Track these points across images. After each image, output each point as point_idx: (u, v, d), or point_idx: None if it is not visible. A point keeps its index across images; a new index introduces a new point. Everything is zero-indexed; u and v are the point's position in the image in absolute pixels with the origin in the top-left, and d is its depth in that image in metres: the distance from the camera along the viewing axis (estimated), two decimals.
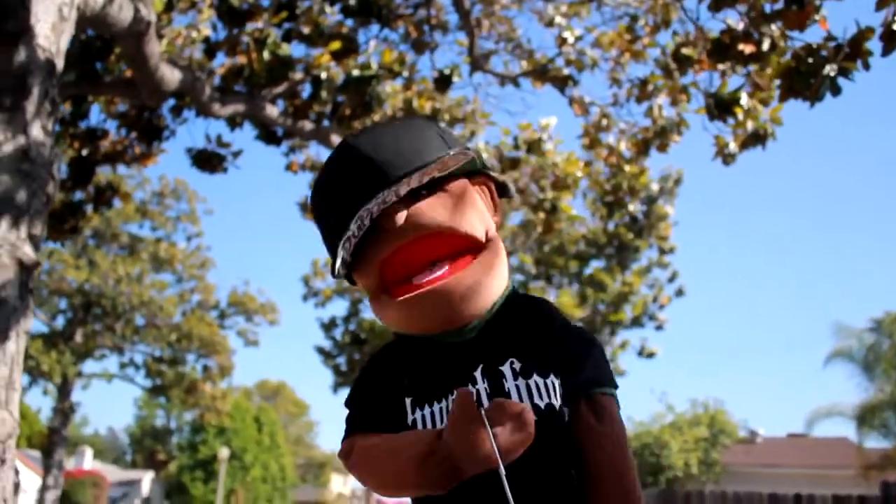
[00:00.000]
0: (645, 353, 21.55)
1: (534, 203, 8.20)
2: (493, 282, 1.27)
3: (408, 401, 1.25)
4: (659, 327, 21.43)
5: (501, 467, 1.04)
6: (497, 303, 1.29)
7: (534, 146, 8.05)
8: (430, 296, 1.21)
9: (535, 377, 1.21)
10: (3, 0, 2.90)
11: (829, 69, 3.41)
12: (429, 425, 1.21)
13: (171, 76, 5.52)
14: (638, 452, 24.86)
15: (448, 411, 1.20)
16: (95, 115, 8.18)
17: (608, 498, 1.18)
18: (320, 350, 21.29)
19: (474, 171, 1.34)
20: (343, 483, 57.55)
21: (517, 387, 1.21)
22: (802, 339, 68.47)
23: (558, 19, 7.74)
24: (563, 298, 19.43)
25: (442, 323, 1.24)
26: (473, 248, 1.27)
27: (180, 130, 7.83)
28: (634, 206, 10.01)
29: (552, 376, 1.22)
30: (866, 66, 3.47)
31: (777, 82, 3.66)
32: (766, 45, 3.76)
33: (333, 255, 1.23)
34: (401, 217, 1.22)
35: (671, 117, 6.96)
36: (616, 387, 1.28)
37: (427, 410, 1.23)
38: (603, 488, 1.18)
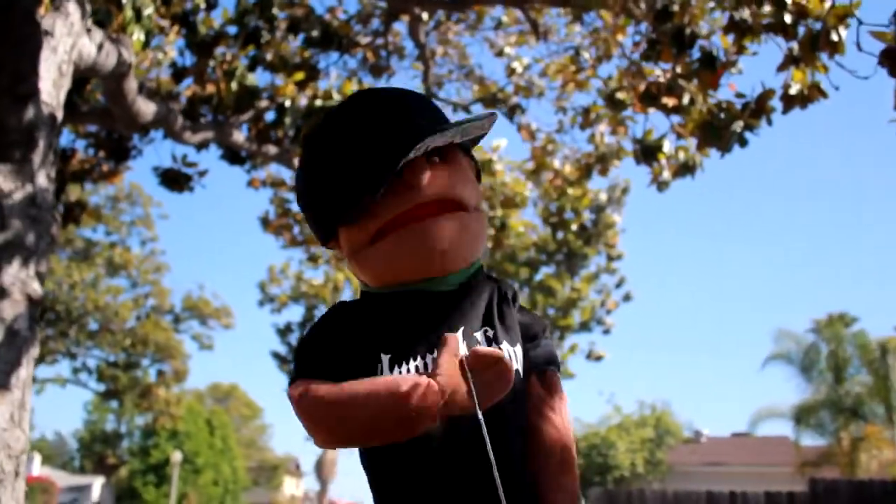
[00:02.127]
0: (593, 357, 22.20)
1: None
2: (477, 238, 1.31)
3: (385, 357, 1.22)
4: (606, 331, 22.08)
5: (479, 412, 1.06)
6: (476, 266, 1.33)
7: (484, 166, 8.56)
8: (419, 229, 1.22)
9: (505, 345, 1.25)
10: (16, 65, 3.30)
11: (737, 125, 3.94)
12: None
13: (147, 109, 5.91)
14: (586, 453, 25.55)
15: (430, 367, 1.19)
16: (65, 135, 8.49)
17: (556, 466, 1.24)
18: (276, 355, 21.60)
19: (467, 150, 1.37)
20: (296, 486, 57.61)
21: None
22: (746, 341, 70.14)
23: (507, 49, 8.25)
24: None
25: (426, 262, 1.24)
26: (463, 209, 1.29)
27: (146, 148, 8.15)
28: (576, 228, 10.55)
29: (518, 346, 1.28)
30: (769, 122, 4.01)
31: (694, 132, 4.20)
32: (686, 100, 4.31)
33: (354, 197, 1.22)
34: (427, 173, 1.23)
35: (612, 144, 7.50)
36: (559, 368, 1.35)
37: (409, 366, 1.20)
38: (552, 458, 1.24)
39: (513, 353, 1.25)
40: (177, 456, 33.64)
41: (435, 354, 1.18)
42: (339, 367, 1.20)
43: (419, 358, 1.21)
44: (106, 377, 26.78)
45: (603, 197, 19.28)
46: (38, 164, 3.61)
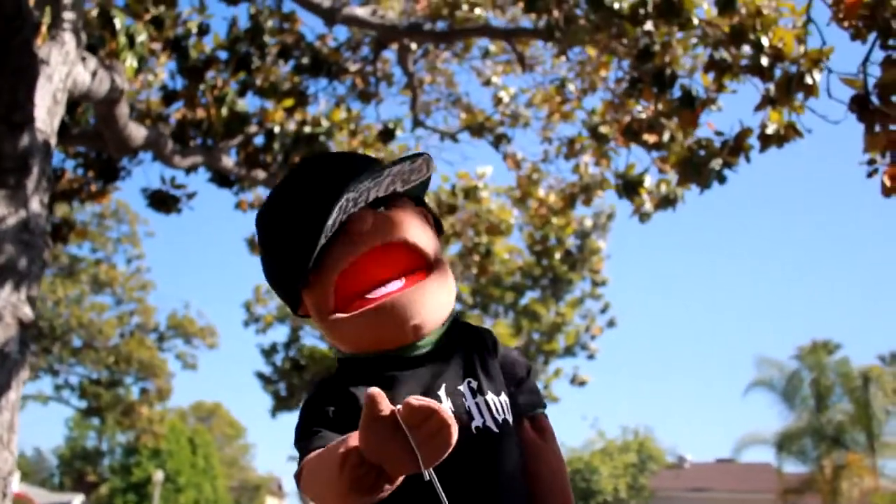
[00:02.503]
0: (577, 382, 22.31)
1: (469, 246, 8.82)
2: (446, 298, 1.29)
3: None
4: (591, 356, 22.22)
5: (424, 470, 0.96)
6: (447, 322, 1.31)
7: (470, 193, 8.67)
8: (388, 306, 1.21)
9: (490, 395, 1.25)
10: (13, 94, 3.38)
11: (715, 163, 4.07)
12: None
13: (138, 133, 6.00)
14: (569, 478, 25.56)
15: None
16: (55, 155, 8.56)
17: None
18: (260, 375, 21.57)
19: (419, 201, 1.37)
20: None
21: (477, 404, 1.23)
22: (731, 367, 70.35)
23: (494, 79, 8.38)
24: (499, 328, 20.08)
25: (399, 335, 1.23)
26: (426, 266, 1.28)
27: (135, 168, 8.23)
28: (560, 255, 10.68)
29: (503, 395, 1.27)
30: (748, 160, 4.14)
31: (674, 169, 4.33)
32: (666, 137, 4.43)
33: (301, 257, 1.21)
34: (369, 221, 1.23)
35: (596, 175, 7.63)
36: (545, 406, 1.35)
37: None
38: (551, 500, 1.26)
39: (499, 403, 1.25)
40: (159, 475, 33.45)
41: None
42: (333, 437, 1.15)
43: None
44: (88, 394, 26.63)
45: (588, 223, 19.45)
46: (32, 190, 3.69)
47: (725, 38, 4.14)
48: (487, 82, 8.41)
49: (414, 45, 7.84)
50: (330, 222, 1.16)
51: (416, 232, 1.28)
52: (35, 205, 3.70)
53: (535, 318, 20.90)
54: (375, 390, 0.96)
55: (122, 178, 8.49)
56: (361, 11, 6.81)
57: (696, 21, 4.22)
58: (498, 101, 8.21)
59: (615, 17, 4.28)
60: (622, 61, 5.05)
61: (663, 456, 28.66)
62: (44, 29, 3.61)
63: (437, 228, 1.38)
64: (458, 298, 21.11)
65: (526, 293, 21.19)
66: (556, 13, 4.84)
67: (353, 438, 1.00)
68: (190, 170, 7.81)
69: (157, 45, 7.61)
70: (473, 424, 1.21)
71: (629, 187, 5.07)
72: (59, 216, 8.84)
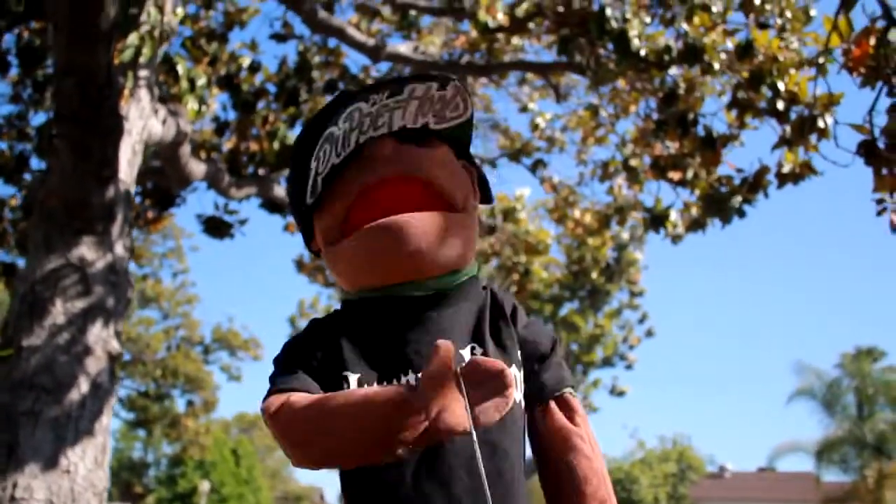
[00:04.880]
0: (616, 392, 22.54)
1: (508, 266, 9.19)
2: (462, 242, 1.17)
3: (353, 378, 1.11)
4: (629, 367, 22.41)
5: (474, 433, 0.91)
6: (464, 275, 1.19)
7: (509, 214, 9.04)
8: (386, 225, 1.11)
9: None
10: (102, 152, 3.82)
11: (735, 200, 4.41)
12: None
13: (198, 169, 6.45)
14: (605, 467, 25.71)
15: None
16: None
17: (597, 500, 1.13)
18: None
19: (461, 153, 1.24)
20: None
21: None
22: (773, 375, 69.82)
23: (531, 105, 8.75)
24: None
25: (395, 262, 1.12)
26: (449, 210, 1.17)
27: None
28: (596, 274, 11.01)
29: (514, 368, 1.14)
30: (766, 196, 4.47)
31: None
32: (690, 174, 4.78)
33: (306, 183, 1.13)
34: (389, 146, 1.13)
35: (629, 196, 7.96)
36: (575, 388, 1.23)
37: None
38: (591, 490, 1.12)
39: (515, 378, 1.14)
40: (205, 485, 34.08)
41: (410, 375, 1.09)
42: (315, 381, 1.12)
43: (393, 378, 1.11)
44: (137, 407, 27.31)
45: (625, 236, 19.73)
46: (117, 236, 4.12)
47: (744, 82, 4.47)
48: (524, 108, 8.79)
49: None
50: (335, 130, 1.07)
51: (444, 174, 1.17)
52: (119, 248, 4.14)
53: (574, 330, 21.18)
54: (446, 343, 0.92)
55: (178, 205, 8.96)
56: (404, 48, 7.22)
57: (717, 66, 4.55)
58: (534, 126, 8.58)
59: (641, 63, 4.63)
60: (649, 99, 5.41)
61: (703, 465, 28.73)
62: (126, 92, 4.04)
63: (483, 191, 1.28)
64: None
65: (564, 305, 21.49)
66: (586, 53, 5.20)
67: (396, 390, 0.97)
68: (243, 198, 8.26)
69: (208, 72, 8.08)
70: None
71: (656, 220, 5.42)
72: None
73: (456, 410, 0.92)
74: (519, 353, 1.18)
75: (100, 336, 3.91)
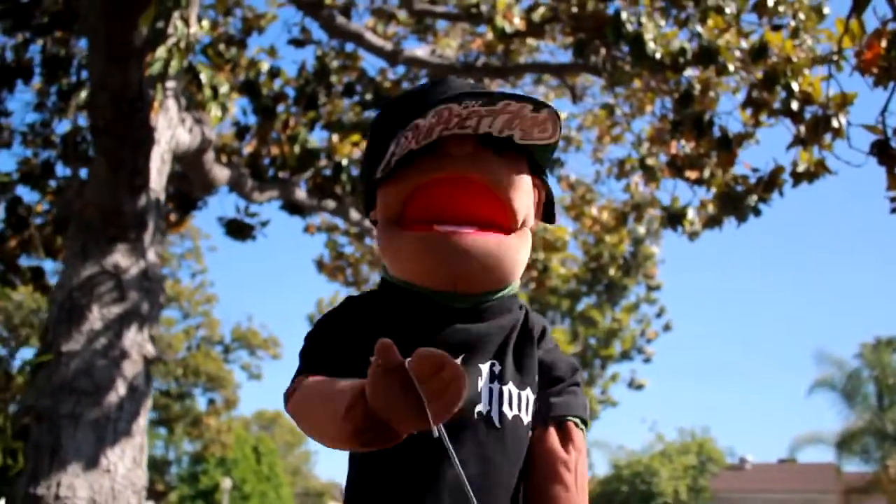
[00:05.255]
0: (634, 385, 22.62)
1: (527, 263, 9.29)
2: (512, 265, 1.19)
3: None
4: (647, 360, 22.48)
5: (434, 427, 0.91)
6: (504, 293, 1.21)
7: None
8: (445, 241, 1.13)
9: (512, 385, 1.15)
10: (134, 163, 3.95)
11: (751, 199, 4.49)
12: None
13: (221, 174, 6.59)
14: (630, 481, 25.84)
15: None
16: None
17: None
18: None
19: (536, 167, 1.25)
20: None
21: (490, 389, 1.14)
22: (790, 365, 69.59)
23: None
24: (556, 334, 20.51)
25: (456, 279, 1.14)
26: (506, 226, 1.17)
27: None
28: (614, 271, 11.09)
29: (528, 391, 1.17)
30: (781, 194, 4.56)
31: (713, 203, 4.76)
32: (706, 173, 4.86)
33: (379, 158, 1.13)
34: (469, 146, 1.14)
35: (646, 193, 8.04)
36: (587, 423, 1.22)
37: None
38: None
39: (517, 397, 1.16)
40: (227, 483, 34.36)
41: None
42: (339, 365, 1.12)
43: None
44: (159, 406, 27.57)
45: (641, 230, 19.79)
46: (149, 243, 4.26)
47: (759, 83, 4.55)
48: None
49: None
50: (423, 122, 1.08)
51: (511, 187, 1.17)
52: (152, 255, 4.28)
53: (592, 324, 21.30)
54: (387, 341, 0.90)
55: (200, 208, 9.11)
56: (421, 52, 7.33)
57: (731, 67, 4.64)
58: None
59: (656, 65, 4.72)
60: (665, 99, 5.49)
61: (723, 457, 28.75)
62: (156, 104, 4.17)
63: (547, 211, 1.30)
64: None
65: (582, 299, 21.58)
66: (602, 54, 5.29)
67: (362, 385, 0.95)
68: (265, 201, 8.40)
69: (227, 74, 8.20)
70: (476, 409, 1.13)
71: (673, 219, 5.52)
72: None
73: (410, 408, 0.90)
74: (536, 376, 1.20)
75: (135, 340, 4.05)
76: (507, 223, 1.17)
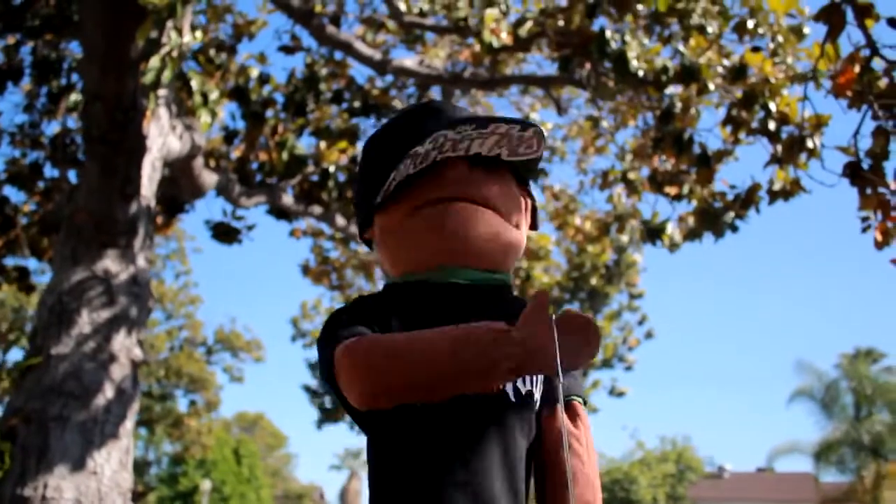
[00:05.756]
0: (615, 393, 22.70)
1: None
2: (510, 250, 1.26)
3: None
4: (628, 368, 22.55)
5: (560, 374, 0.99)
6: (504, 277, 1.28)
7: None
8: (454, 209, 1.20)
9: None
10: (127, 171, 4.03)
11: (727, 216, 4.62)
12: None
13: (209, 180, 6.65)
14: (609, 488, 25.95)
15: None
16: None
17: (582, 502, 1.18)
18: (307, 388, 22.28)
19: (521, 180, 1.33)
20: None
21: None
22: (771, 375, 70.05)
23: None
24: None
25: (442, 244, 1.22)
26: None
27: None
28: (596, 281, 11.23)
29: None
30: (758, 211, 4.68)
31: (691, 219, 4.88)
32: (686, 189, 4.98)
33: (376, 183, 1.21)
34: (463, 168, 1.21)
35: (628, 205, 8.16)
36: (586, 403, 1.30)
37: None
38: (577, 491, 1.18)
39: (531, 374, 1.21)
40: (206, 484, 34.27)
41: None
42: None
43: None
44: (140, 407, 27.37)
45: (624, 238, 19.95)
46: (139, 249, 4.33)
47: (738, 102, 4.68)
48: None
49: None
50: (421, 149, 1.15)
51: (503, 199, 1.25)
52: (141, 261, 4.35)
53: None
54: (544, 292, 1.02)
55: (187, 211, 9.16)
56: (409, 62, 7.42)
57: (712, 86, 4.76)
58: None
59: (639, 83, 4.83)
60: (647, 114, 5.62)
61: (702, 466, 28.97)
62: (149, 113, 4.25)
63: (533, 220, 1.37)
64: None
65: (564, 307, 21.73)
66: (586, 71, 5.41)
67: (497, 325, 1.03)
68: (252, 206, 8.46)
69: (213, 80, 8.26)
70: None
71: (652, 233, 5.64)
72: None
73: (549, 350, 0.99)
74: None
75: (123, 344, 4.12)
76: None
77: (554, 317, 1.02)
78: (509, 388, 1.18)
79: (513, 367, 1.02)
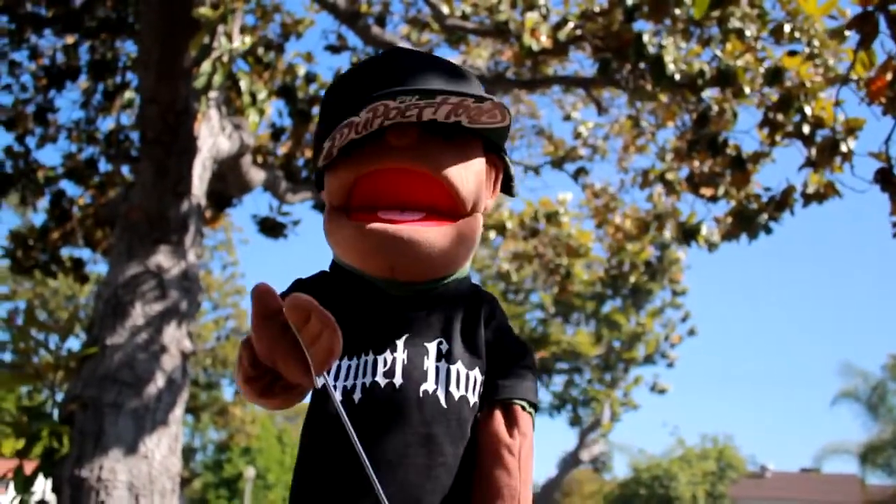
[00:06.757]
0: (657, 389, 22.70)
1: (551, 267, 9.51)
2: (459, 252, 1.17)
3: None
4: (670, 365, 22.55)
5: (316, 378, 0.91)
6: (451, 278, 1.20)
7: (552, 218, 9.35)
8: (384, 234, 1.11)
9: (459, 365, 1.13)
10: (179, 171, 4.24)
11: (761, 218, 4.69)
12: (351, 379, 1.11)
13: (258, 177, 6.87)
14: (648, 484, 25.94)
15: (371, 365, 1.11)
16: None
17: None
18: None
19: (492, 146, 1.23)
20: None
21: (437, 368, 1.12)
22: (817, 375, 69.08)
23: (574, 114, 9.05)
24: (580, 336, 20.71)
25: (393, 269, 1.14)
26: (453, 213, 1.16)
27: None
28: (636, 279, 11.28)
29: (477, 371, 1.14)
30: (792, 213, 4.75)
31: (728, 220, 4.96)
32: (721, 191, 5.06)
33: (322, 142, 1.10)
34: (413, 135, 1.11)
35: (667, 204, 8.22)
36: (536, 407, 1.16)
37: (350, 362, 1.12)
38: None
39: (465, 377, 1.12)
40: (250, 471, 34.79)
41: (369, 356, 1.11)
42: None
43: (354, 356, 1.12)
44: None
45: (667, 234, 19.89)
46: (189, 245, 4.54)
47: (774, 106, 4.74)
48: (567, 117, 9.09)
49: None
50: (356, 119, 1.05)
51: (460, 173, 1.15)
52: (191, 256, 4.56)
53: (616, 327, 21.42)
54: (264, 285, 0.90)
55: (234, 206, 9.40)
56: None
57: (748, 90, 4.83)
58: (577, 135, 8.88)
59: (675, 86, 4.92)
60: (685, 116, 5.70)
61: (743, 464, 28.77)
62: (200, 116, 4.45)
63: (505, 183, 1.29)
64: (541, 307, 21.79)
65: (606, 302, 21.71)
66: (625, 74, 5.50)
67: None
68: (298, 202, 8.67)
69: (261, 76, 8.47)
70: (422, 387, 1.10)
71: (687, 234, 5.73)
72: None
73: (289, 356, 0.91)
74: (485, 357, 1.16)
75: (174, 336, 4.33)
76: (453, 209, 1.16)
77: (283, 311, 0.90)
78: (441, 392, 1.11)
79: (266, 384, 0.96)
